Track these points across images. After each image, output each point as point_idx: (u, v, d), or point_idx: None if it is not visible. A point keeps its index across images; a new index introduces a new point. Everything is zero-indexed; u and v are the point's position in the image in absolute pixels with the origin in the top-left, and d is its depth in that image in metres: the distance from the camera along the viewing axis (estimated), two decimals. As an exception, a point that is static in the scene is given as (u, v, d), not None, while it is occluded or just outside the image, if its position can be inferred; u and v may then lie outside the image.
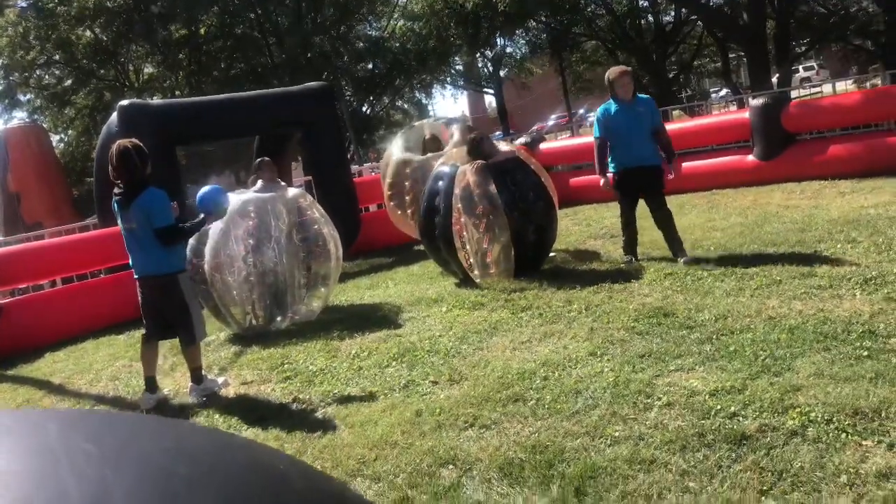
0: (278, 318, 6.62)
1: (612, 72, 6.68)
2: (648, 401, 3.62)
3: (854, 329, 4.03)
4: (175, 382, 5.52)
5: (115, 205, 5.00)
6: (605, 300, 5.52)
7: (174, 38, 25.75)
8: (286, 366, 5.39)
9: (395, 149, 8.71)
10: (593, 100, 36.11)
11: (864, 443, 2.88)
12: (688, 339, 4.38)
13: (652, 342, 4.44)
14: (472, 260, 6.74)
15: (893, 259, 5.26)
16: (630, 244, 6.75)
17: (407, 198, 8.41)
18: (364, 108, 29.89)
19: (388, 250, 10.26)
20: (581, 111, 39.16)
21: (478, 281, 6.71)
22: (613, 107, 6.57)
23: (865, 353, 3.67)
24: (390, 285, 7.92)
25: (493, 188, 6.54)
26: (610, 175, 6.68)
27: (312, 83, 11.72)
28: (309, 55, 25.09)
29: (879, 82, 14.57)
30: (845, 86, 16.39)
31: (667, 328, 4.64)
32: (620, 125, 6.48)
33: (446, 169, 7.12)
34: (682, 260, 6.24)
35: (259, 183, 7.02)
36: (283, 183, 7.39)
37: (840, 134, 9.99)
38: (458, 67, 36.34)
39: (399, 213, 8.64)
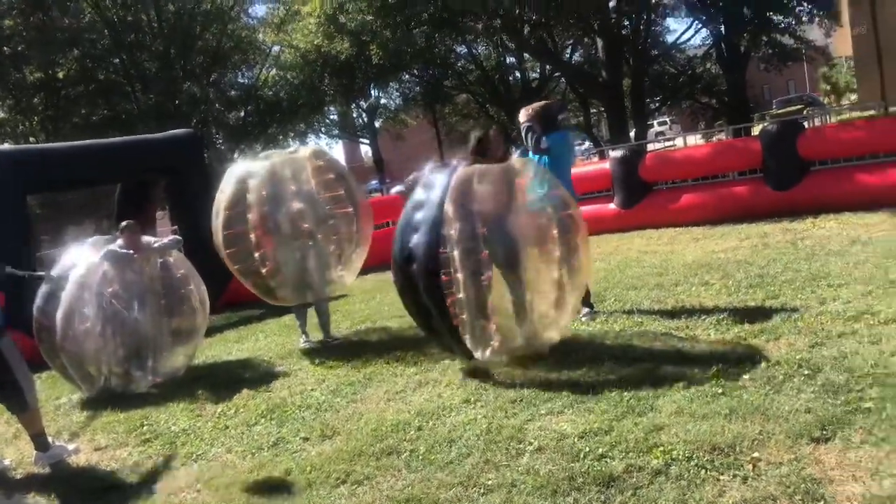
0: (138, 375, 6.21)
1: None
2: (520, 446, 3.64)
3: (710, 368, 4.24)
4: (19, 451, 5.03)
5: None
6: (478, 347, 5.55)
7: (28, 80, 24.32)
8: (145, 428, 5.05)
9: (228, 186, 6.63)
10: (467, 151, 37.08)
11: (721, 477, 3.00)
12: (557, 382, 4.46)
13: (523, 387, 4.49)
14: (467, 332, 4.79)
15: (742, 300, 5.62)
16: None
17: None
18: (236, 156, 29.23)
19: (259, 301, 9.92)
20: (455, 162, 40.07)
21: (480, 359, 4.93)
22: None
23: (720, 391, 3.86)
24: (260, 338, 7.66)
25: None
26: None
27: (179, 130, 11.37)
28: (177, 102, 24.37)
29: (724, 136, 15.79)
30: (695, 140, 17.64)
31: (537, 372, 4.71)
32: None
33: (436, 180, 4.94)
34: (582, 315, 5.76)
35: (118, 242, 6.47)
36: (146, 240, 6.65)
37: (691, 184, 10.69)
38: (332, 117, 36.43)
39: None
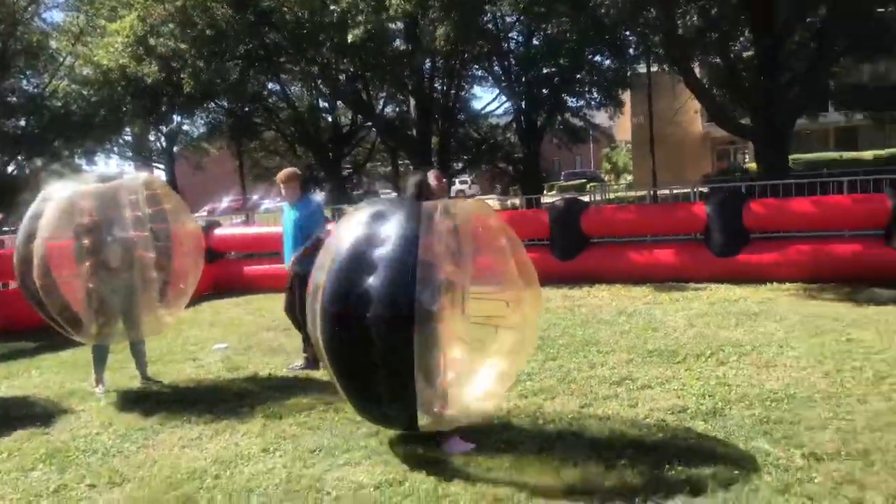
0: None
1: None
2: (318, 496, 3.78)
3: (493, 425, 4.65)
4: None
5: None
6: (278, 394, 5.61)
7: None
8: None
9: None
10: (269, 187, 36.58)
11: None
12: (356, 433, 4.64)
13: (323, 437, 4.63)
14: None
15: (530, 360, 6.15)
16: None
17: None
18: (10, 169, 26.61)
19: (31, 332, 9.07)
20: (255, 197, 39.31)
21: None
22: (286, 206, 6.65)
23: (504, 445, 4.26)
24: (34, 374, 7.07)
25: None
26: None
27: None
28: (-53, 102, 21.91)
29: (518, 202, 17.06)
30: (492, 202, 18.88)
31: (336, 423, 4.87)
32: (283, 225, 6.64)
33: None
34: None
35: None
36: None
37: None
38: (126, 137, 34.37)
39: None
